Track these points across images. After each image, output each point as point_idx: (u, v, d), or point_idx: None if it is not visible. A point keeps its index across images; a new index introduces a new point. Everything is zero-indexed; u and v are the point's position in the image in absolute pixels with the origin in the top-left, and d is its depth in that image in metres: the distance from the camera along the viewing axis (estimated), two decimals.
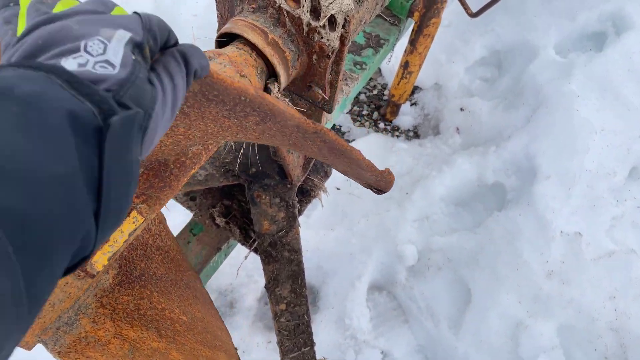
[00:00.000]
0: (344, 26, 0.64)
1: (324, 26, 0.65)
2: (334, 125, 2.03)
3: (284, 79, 0.70)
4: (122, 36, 0.31)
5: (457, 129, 1.79)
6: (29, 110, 0.25)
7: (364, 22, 0.87)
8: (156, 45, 0.35)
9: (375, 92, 2.01)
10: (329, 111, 0.81)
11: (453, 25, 2.06)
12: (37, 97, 0.26)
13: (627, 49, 1.83)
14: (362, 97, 2.03)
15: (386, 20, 1.47)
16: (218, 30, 0.74)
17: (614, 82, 1.72)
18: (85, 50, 0.29)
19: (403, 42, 1.71)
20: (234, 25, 0.67)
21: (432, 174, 1.67)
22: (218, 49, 0.64)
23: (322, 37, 0.66)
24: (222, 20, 0.77)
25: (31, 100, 0.25)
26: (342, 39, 0.66)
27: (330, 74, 0.74)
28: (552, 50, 1.90)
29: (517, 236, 1.46)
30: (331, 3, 0.63)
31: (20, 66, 0.28)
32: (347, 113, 2.02)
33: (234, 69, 0.59)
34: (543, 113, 1.64)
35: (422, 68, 1.78)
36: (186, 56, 0.37)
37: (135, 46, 0.32)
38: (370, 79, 2.06)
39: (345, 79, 1.27)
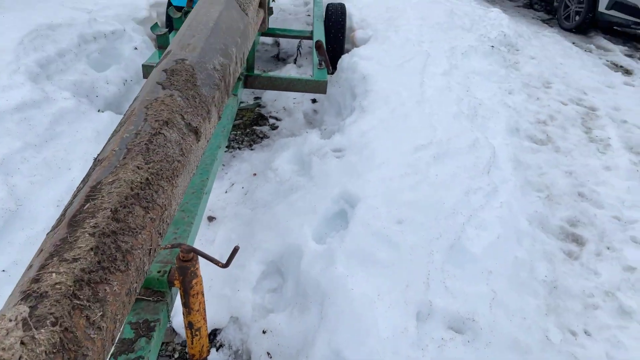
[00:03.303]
0: None
1: None
2: None
3: None
4: None
5: (268, 353, 1.80)
6: None
7: None
8: None
9: (176, 355, 1.92)
10: None
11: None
12: None
13: (363, 216, 2.22)
14: None
15: (150, 300, 1.48)
16: None
17: (367, 249, 2.02)
18: None
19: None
20: None
21: None
22: None
23: None
24: None
25: None
26: None
27: None
28: (313, 242, 2.16)
29: None
30: None
31: None
32: None
33: None
34: (329, 304, 1.78)
35: (210, 312, 1.80)
36: None
37: None
38: (166, 342, 1.97)
39: None
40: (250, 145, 3.27)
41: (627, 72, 5.26)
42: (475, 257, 2.07)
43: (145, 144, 1.16)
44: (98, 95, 3.19)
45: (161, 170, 1.13)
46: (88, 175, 1.10)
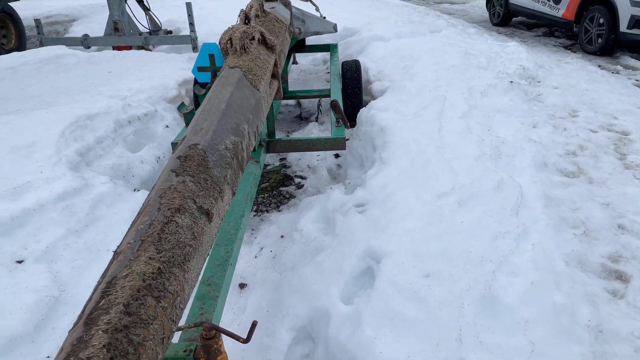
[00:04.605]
0: None
1: None
2: None
3: None
4: None
5: None
6: None
7: None
8: None
9: None
10: None
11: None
12: None
13: (389, 273, 2.20)
14: None
15: None
16: None
17: (394, 307, 1.99)
18: None
19: None
20: None
21: None
22: None
23: None
24: None
25: None
26: None
27: None
28: (340, 303, 2.15)
29: None
30: None
31: None
32: None
33: None
34: None
35: None
36: None
37: None
38: None
39: None
40: (278, 206, 3.35)
41: None
42: (510, 307, 2.00)
43: (158, 233, 1.24)
44: (134, 175, 3.40)
45: (173, 257, 1.20)
46: (107, 269, 1.18)
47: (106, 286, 1.08)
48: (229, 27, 2.61)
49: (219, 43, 2.62)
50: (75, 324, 1.03)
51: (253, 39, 2.62)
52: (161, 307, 1.09)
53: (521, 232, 2.42)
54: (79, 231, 2.61)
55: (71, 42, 6.53)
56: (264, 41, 2.73)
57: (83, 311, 1.05)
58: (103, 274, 1.17)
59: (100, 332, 0.96)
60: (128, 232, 1.30)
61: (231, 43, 2.53)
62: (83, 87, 4.76)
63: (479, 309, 1.98)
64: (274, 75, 2.79)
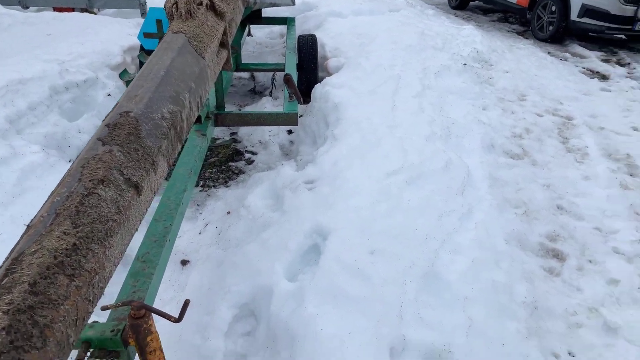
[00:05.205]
0: None
1: None
2: None
3: None
4: None
5: None
6: None
7: None
8: None
9: None
10: None
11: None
12: None
13: (335, 250, 2.17)
14: None
15: None
16: None
17: (338, 284, 1.97)
18: None
19: None
20: None
21: None
22: None
23: None
24: None
25: None
26: None
27: None
28: (284, 280, 2.10)
29: None
30: None
31: None
32: None
33: None
34: (298, 347, 1.73)
35: None
36: None
37: None
38: None
39: None
40: (226, 182, 3.25)
41: (604, 77, 5.29)
42: (450, 284, 2.02)
43: (76, 206, 1.13)
44: (70, 145, 3.19)
45: (92, 232, 1.10)
46: (16, 244, 1.07)
47: (11, 263, 0.97)
48: None
49: (164, 7, 2.45)
50: None
51: (201, 4, 2.46)
52: (75, 286, 0.99)
53: (466, 211, 2.46)
54: (5, 203, 2.42)
55: (7, 2, 6.00)
56: (212, 7, 2.57)
57: None
58: (11, 250, 1.06)
59: (0, 314, 0.86)
60: (43, 204, 1.19)
61: (177, 7, 2.36)
62: (17, 49, 4.38)
63: (420, 286, 2.00)
64: (223, 45, 2.65)
